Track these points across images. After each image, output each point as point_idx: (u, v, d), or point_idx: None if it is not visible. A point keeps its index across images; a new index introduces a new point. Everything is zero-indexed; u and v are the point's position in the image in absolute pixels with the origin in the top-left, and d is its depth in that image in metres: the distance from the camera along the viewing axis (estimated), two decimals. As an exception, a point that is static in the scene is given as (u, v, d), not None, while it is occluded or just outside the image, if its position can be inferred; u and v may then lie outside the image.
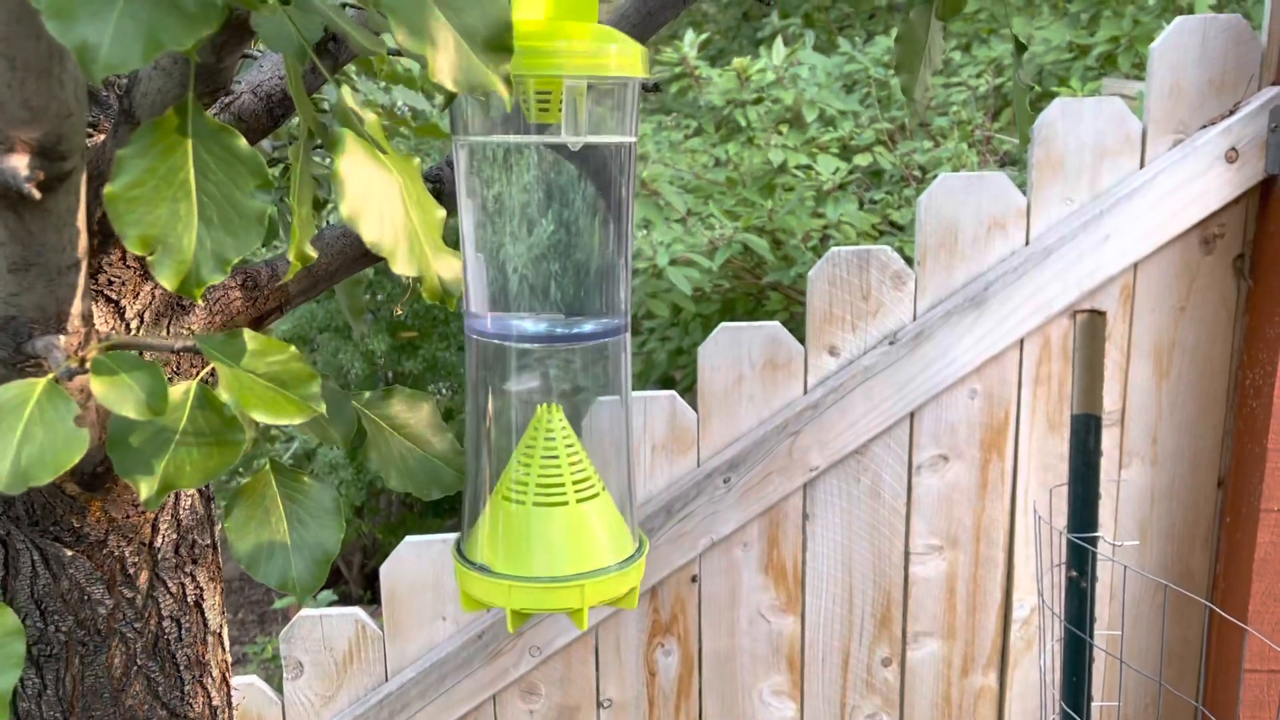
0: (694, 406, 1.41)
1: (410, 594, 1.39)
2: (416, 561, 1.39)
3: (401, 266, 0.45)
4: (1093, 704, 1.35)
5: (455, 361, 3.04)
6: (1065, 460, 1.41)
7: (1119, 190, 1.35)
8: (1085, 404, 1.29)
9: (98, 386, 0.44)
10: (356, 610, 1.41)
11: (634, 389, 1.54)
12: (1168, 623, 1.47)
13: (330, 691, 1.40)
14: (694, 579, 1.43)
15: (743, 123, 2.03)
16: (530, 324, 0.63)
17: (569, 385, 0.65)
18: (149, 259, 0.41)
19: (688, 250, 2.01)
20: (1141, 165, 1.36)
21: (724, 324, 1.39)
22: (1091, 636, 1.26)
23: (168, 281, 0.42)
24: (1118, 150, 1.36)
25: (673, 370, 2.54)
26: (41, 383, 0.44)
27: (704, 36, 2.26)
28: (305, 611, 1.40)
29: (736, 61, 2.00)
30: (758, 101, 2.05)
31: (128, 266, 0.65)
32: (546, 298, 0.62)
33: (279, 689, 1.41)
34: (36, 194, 0.40)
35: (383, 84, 1.64)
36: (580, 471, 0.62)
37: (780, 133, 2.03)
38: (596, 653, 1.43)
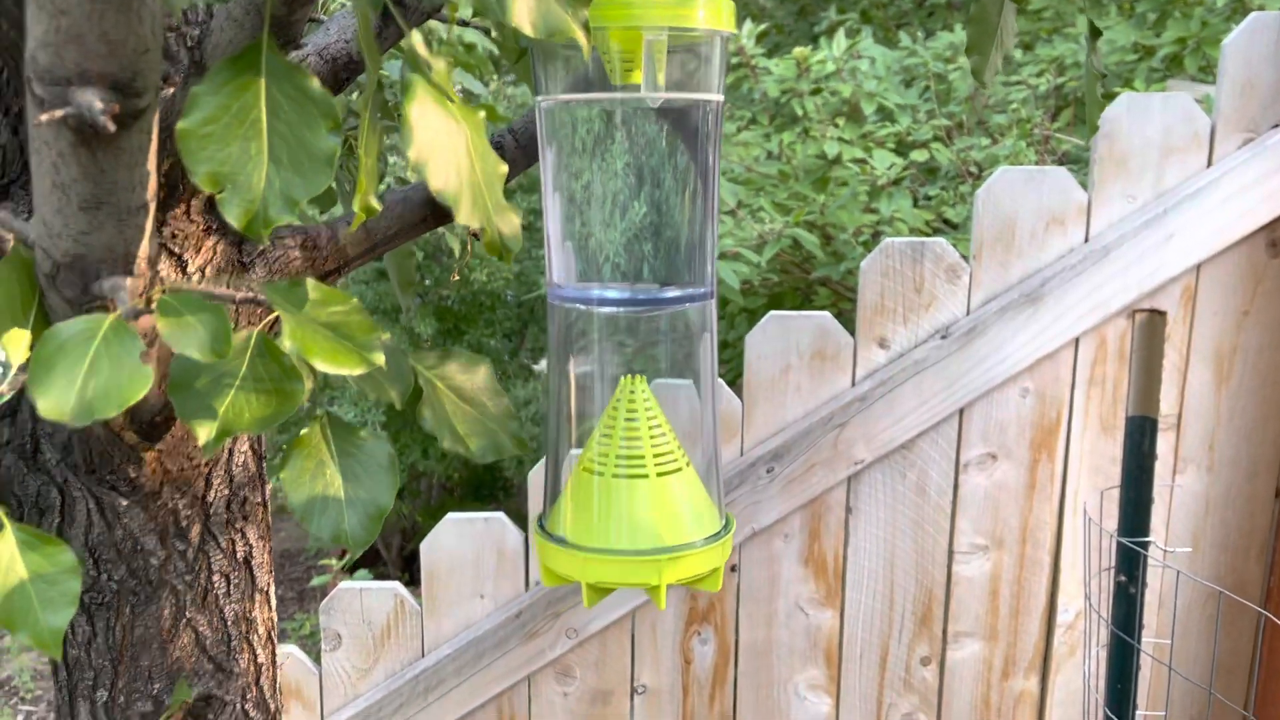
0: (739, 397, 1.40)
1: (449, 571, 1.40)
2: (457, 539, 1.39)
3: (465, 216, 0.45)
4: (1137, 713, 1.32)
5: (499, 348, 3.05)
6: (1117, 464, 1.38)
7: (1184, 189, 1.32)
8: (1141, 406, 1.26)
9: (164, 325, 0.44)
10: (396, 585, 1.41)
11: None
12: (1218, 635, 1.44)
13: (367, 664, 1.41)
14: (733, 568, 1.42)
15: (799, 112, 2.01)
16: (613, 289, 0.62)
17: (653, 354, 0.64)
18: (218, 197, 0.42)
19: (737, 244, 2.00)
20: (1209, 164, 1.32)
21: (773, 312, 1.38)
22: (1139, 643, 1.24)
23: (235, 220, 0.42)
24: (1184, 148, 1.32)
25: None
26: (109, 318, 0.44)
27: (761, 28, 2.24)
28: (345, 584, 1.41)
29: (796, 51, 1.99)
30: (815, 92, 2.03)
31: (191, 221, 0.66)
32: (630, 262, 0.61)
33: (318, 662, 1.42)
34: (111, 127, 0.40)
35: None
36: (663, 444, 0.61)
37: (837, 125, 2.01)
38: (633, 638, 1.43)
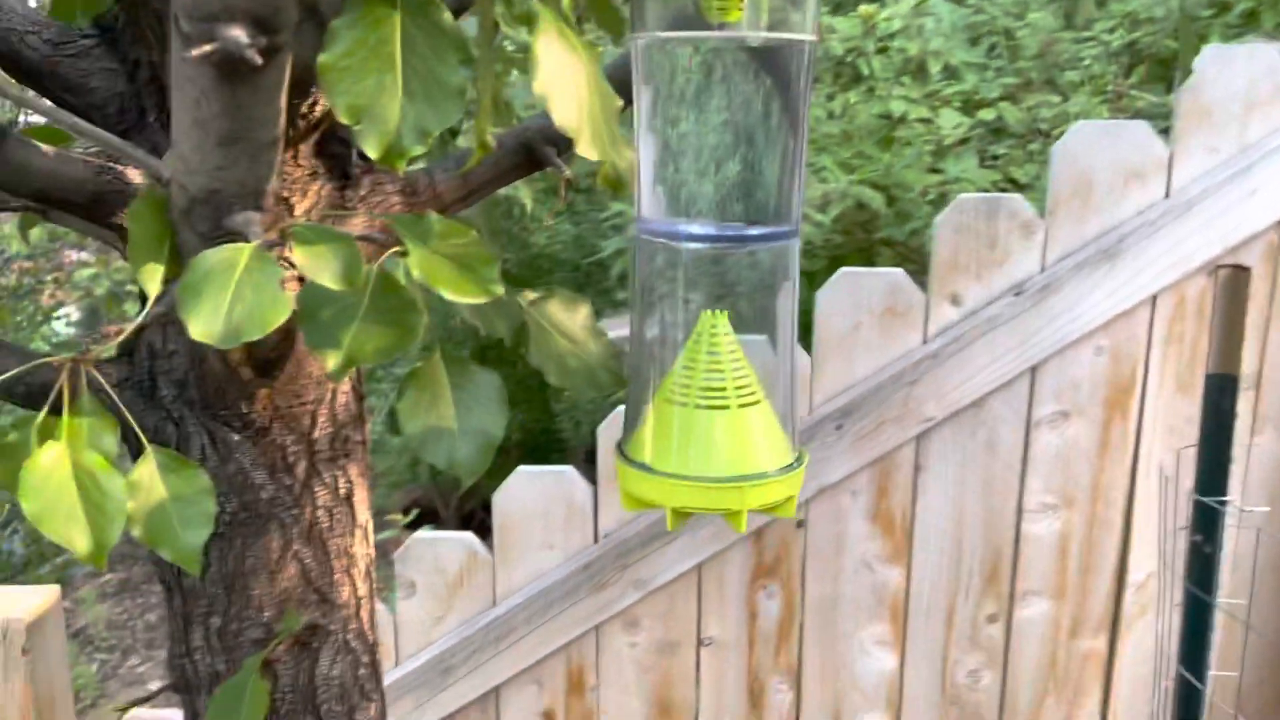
0: (808, 353, 1.40)
1: (520, 523, 1.43)
2: (528, 491, 1.42)
3: (585, 148, 0.46)
4: (1209, 672, 1.32)
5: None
6: (1193, 423, 1.37)
7: (1270, 142, 1.29)
8: (1222, 364, 1.25)
9: (299, 255, 0.46)
10: (469, 535, 1.45)
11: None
12: (1292, 597, 1.42)
13: (440, 612, 1.44)
14: (799, 524, 1.43)
15: (864, 71, 1.99)
16: (699, 224, 0.63)
17: (735, 290, 0.65)
18: (355, 129, 0.43)
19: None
20: (1296, 117, 1.29)
21: (844, 269, 1.38)
22: (1215, 603, 1.23)
23: (372, 150, 0.43)
24: (1270, 100, 1.29)
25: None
26: (248, 248, 0.46)
27: (824, -14, 2.22)
28: (419, 534, 1.45)
29: (862, 8, 1.97)
30: (881, 50, 2.01)
31: (299, 165, 0.68)
32: (717, 199, 0.63)
33: (391, 611, 1.46)
34: (259, 61, 0.42)
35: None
36: (742, 377, 0.63)
37: (902, 83, 1.99)
38: (699, 591, 1.45)
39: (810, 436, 1.39)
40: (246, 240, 0.50)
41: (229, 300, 0.44)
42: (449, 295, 0.47)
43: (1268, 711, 1.44)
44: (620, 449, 0.66)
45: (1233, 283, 1.24)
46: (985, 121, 1.99)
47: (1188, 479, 1.28)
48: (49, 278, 3.52)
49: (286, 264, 0.51)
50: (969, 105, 2.08)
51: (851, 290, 1.37)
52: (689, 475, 0.62)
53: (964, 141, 1.99)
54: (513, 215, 2.77)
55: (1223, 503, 1.19)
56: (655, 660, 1.46)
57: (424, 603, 1.44)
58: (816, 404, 1.40)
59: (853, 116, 2.11)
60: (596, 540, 1.43)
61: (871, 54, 2.04)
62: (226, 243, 0.52)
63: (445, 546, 1.44)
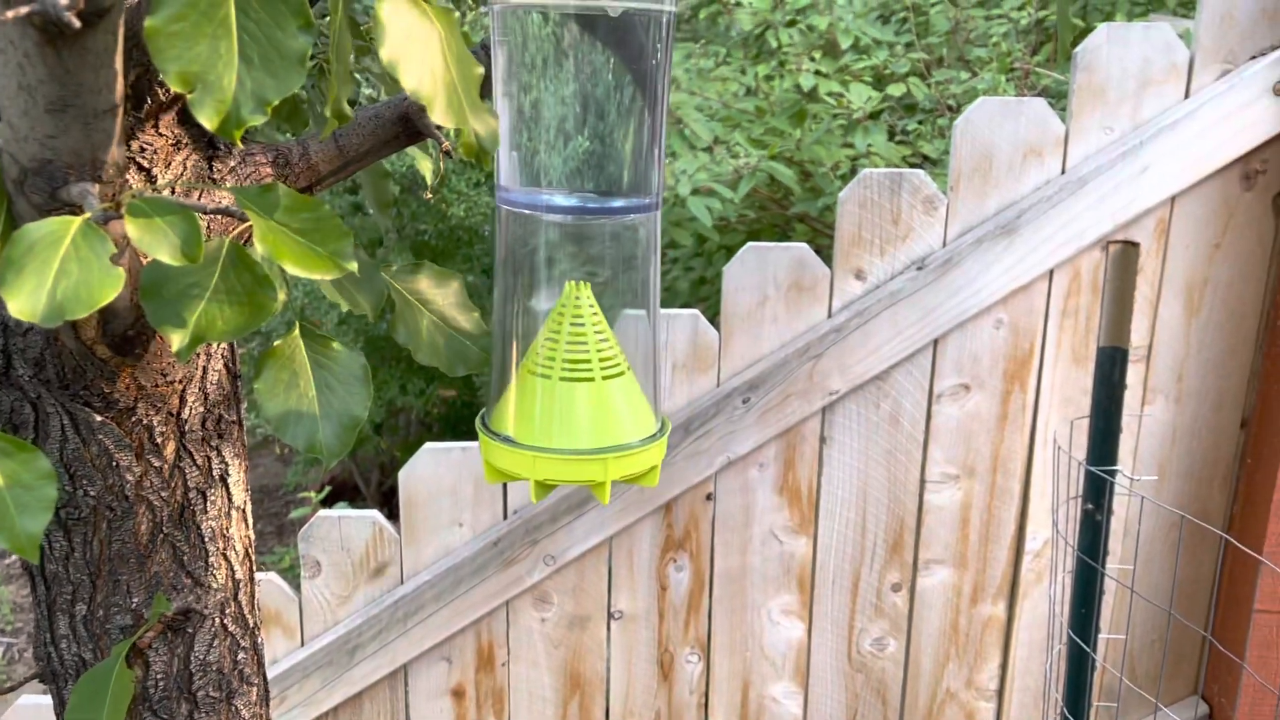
0: (717, 328, 1.40)
1: (428, 500, 1.41)
2: (435, 468, 1.40)
3: (439, 116, 0.45)
4: (1099, 636, 1.36)
5: (477, 284, 3.04)
6: (1088, 394, 1.40)
7: (1161, 120, 1.32)
8: (1112, 337, 1.28)
9: (133, 229, 0.44)
10: (374, 513, 1.42)
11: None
12: (1180, 561, 1.47)
13: (346, 591, 1.42)
14: (709, 497, 1.44)
15: (774, 44, 1.99)
16: (560, 196, 0.62)
17: (597, 262, 0.65)
18: (189, 97, 0.41)
19: (712, 179, 1.99)
20: (1186, 95, 1.33)
21: (750, 244, 1.38)
22: (1104, 569, 1.27)
23: (208, 121, 0.41)
24: (1163, 79, 1.32)
25: (694, 300, 2.53)
26: (77, 220, 0.43)
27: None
28: (324, 512, 1.42)
29: (773, -19, 1.96)
30: (792, 24, 2.01)
31: (160, 135, 0.65)
32: (577, 171, 0.62)
33: (299, 591, 1.43)
34: (76, 23, 0.40)
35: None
36: (607, 349, 0.62)
37: (813, 59, 1.99)
38: (609, 565, 1.45)
39: (718, 410, 1.40)
40: (83, 213, 0.47)
41: (53, 276, 0.42)
42: (295, 270, 0.46)
43: (1154, 673, 1.50)
44: (483, 421, 0.65)
45: (1123, 258, 1.27)
46: (895, 97, 2.00)
47: (1081, 449, 1.31)
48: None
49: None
50: (880, 80, 2.09)
51: (758, 265, 1.37)
52: (552, 448, 0.61)
53: (874, 116, 2.00)
54: (427, 186, 2.72)
55: (1112, 472, 1.23)
56: (565, 635, 1.46)
57: (330, 582, 1.42)
58: (724, 378, 1.41)
59: (767, 93, 2.11)
60: (506, 516, 1.42)
61: (781, 27, 2.04)
62: (64, 214, 0.50)
63: (351, 525, 1.42)
